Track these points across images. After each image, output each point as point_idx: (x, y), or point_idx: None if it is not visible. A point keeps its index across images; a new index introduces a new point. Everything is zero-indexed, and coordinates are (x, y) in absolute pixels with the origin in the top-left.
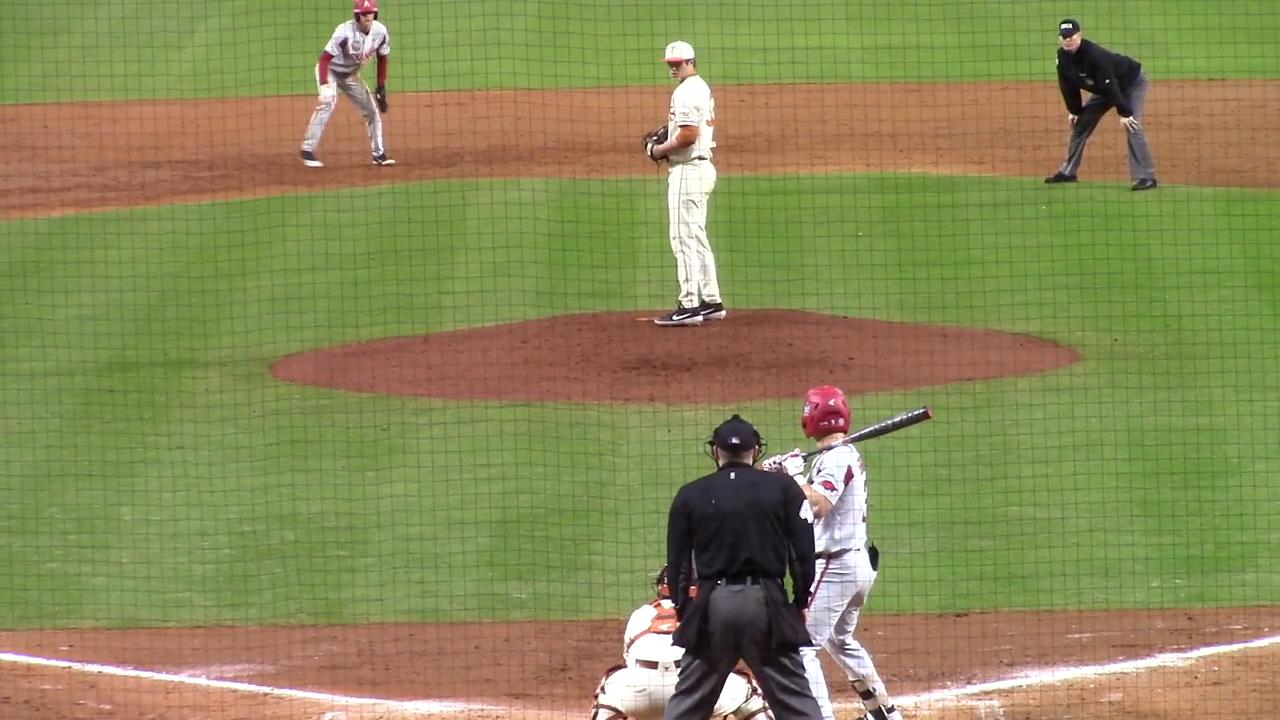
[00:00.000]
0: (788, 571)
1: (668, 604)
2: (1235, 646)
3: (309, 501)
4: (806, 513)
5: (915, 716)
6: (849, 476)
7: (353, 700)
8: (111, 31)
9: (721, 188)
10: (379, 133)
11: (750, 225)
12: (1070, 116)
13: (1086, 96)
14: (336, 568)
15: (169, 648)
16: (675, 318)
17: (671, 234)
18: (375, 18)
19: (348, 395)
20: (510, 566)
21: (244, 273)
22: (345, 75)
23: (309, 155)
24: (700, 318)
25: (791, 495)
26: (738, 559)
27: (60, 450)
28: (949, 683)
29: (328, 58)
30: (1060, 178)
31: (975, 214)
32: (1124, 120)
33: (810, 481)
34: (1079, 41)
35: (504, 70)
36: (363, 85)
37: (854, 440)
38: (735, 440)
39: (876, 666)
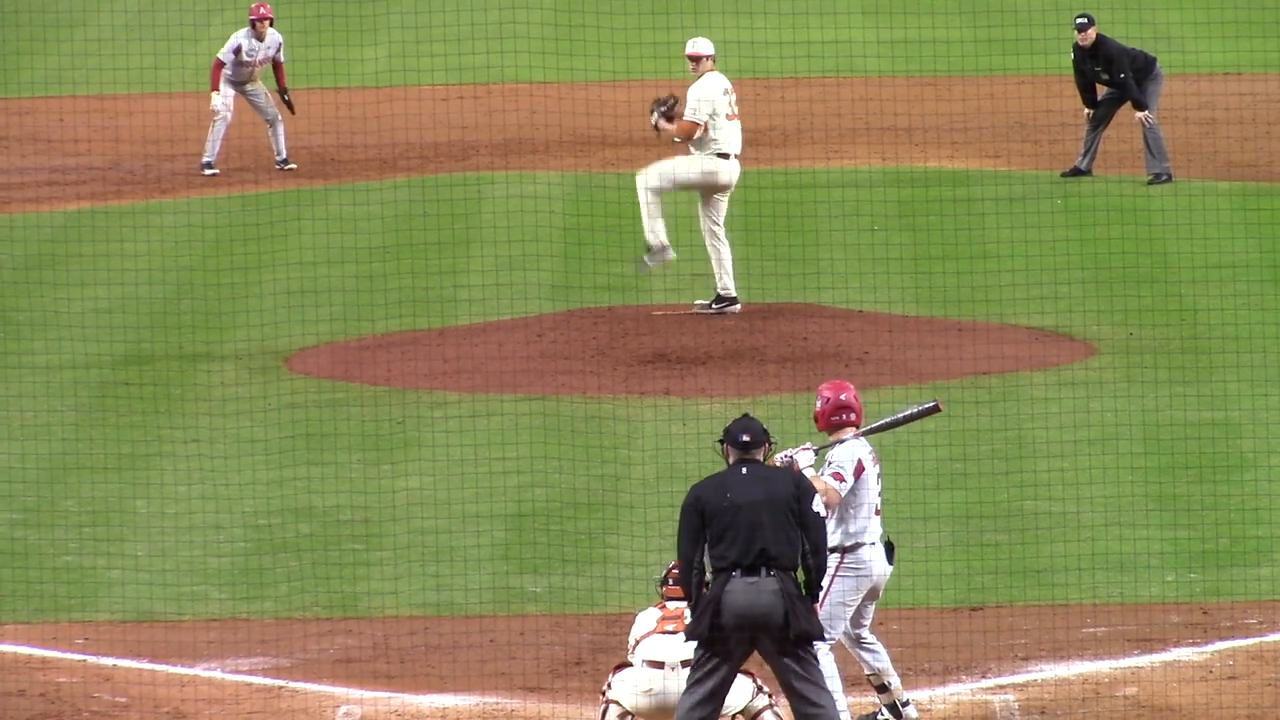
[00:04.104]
0: (800, 565)
1: (672, 605)
2: (1250, 641)
3: (324, 495)
4: (819, 506)
5: (930, 711)
6: (860, 469)
7: (367, 694)
8: (127, 25)
9: (738, 181)
10: (281, 137)
11: (766, 219)
12: (1085, 111)
13: (1102, 90)
14: (351, 561)
15: (184, 641)
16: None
17: (702, 227)
18: (271, 24)
19: (363, 389)
20: (525, 560)
21: (259, 266)
22: (242, 82)
23: (209, 165)
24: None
25: (804, 489)
26: (752, 550)
27: (75, 443)
28: (964, 677)
29: (220, 65)
30: (1076, 172)
31: (990, 208)
32: (1139, 114)
33: (821, 475)
34: (1094, 36)
35: (519, 64)
36: (263, 90)
37: (865, 434)
38: (746, 438)
39: (892, 660)
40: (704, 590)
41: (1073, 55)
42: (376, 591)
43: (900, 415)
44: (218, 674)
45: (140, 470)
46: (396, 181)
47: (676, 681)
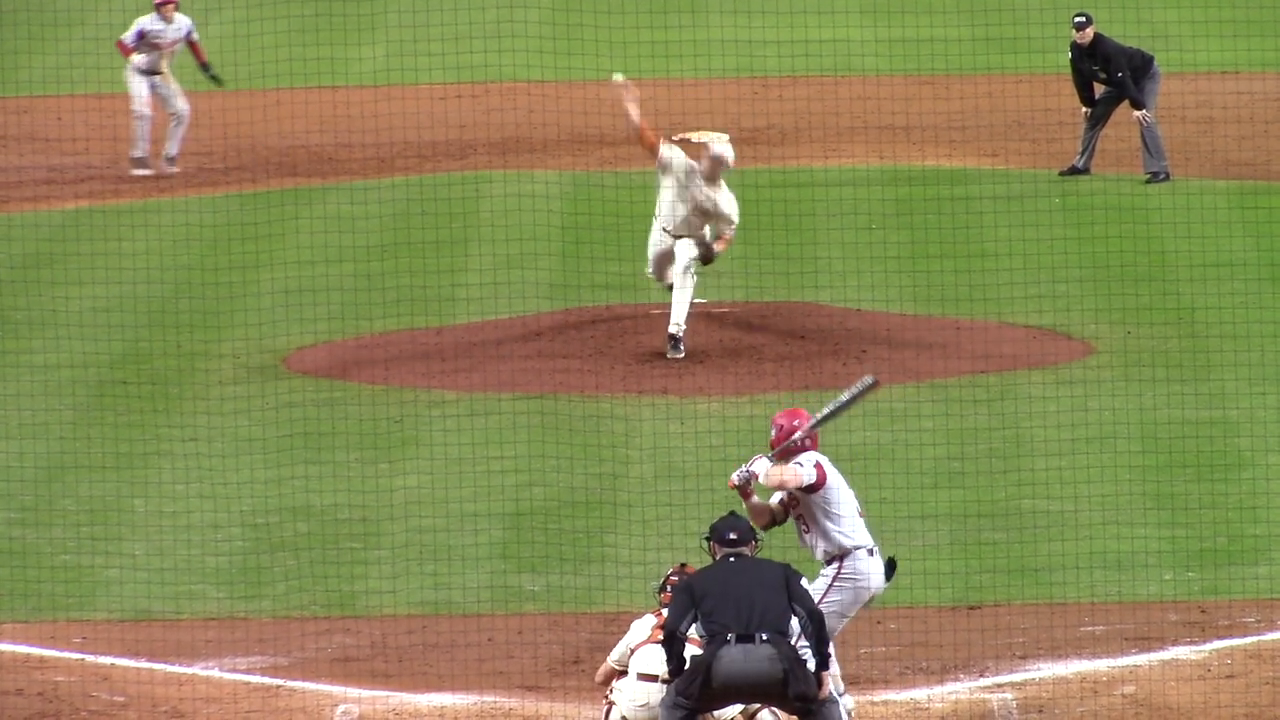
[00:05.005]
0: (799, 632)
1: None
2: (1248, 639)
3: (322, 494)
4: (807, 583)
5: (928, 709)
6: (820, 469)
7: (365, 693)
8: (125, 24)
9: (734, 180)
10: (178, 136)
11: (764, 218)
12: (1083, 109)
13: (1099, 89)
14: (349, 560)
15: (182, 640)
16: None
17: (685, 265)
18: (177, 8)
19: (361, 388)
20: (523, 559)
21: (257, 265)
22: (154, 73)
23: (140, 163)
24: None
25: (791, 571)
26: (744, 617)
27: (73, 442)
28: (962, 675)
29: (122, 47)
30: (1073, 170)
31: (988, 207)
32: (1136, 113)
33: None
34: (1092, 34)
35: (517, 63)
36: (172, 86)
37: (813, 426)
38: (734, 535)
39: (888, 659)
40: (683, 661)
41: (1070, 54)
42: (374, 590)
43: (841, 400)
44: (216, 673)
45: (138, 469)
46: (394, 180)
47: None
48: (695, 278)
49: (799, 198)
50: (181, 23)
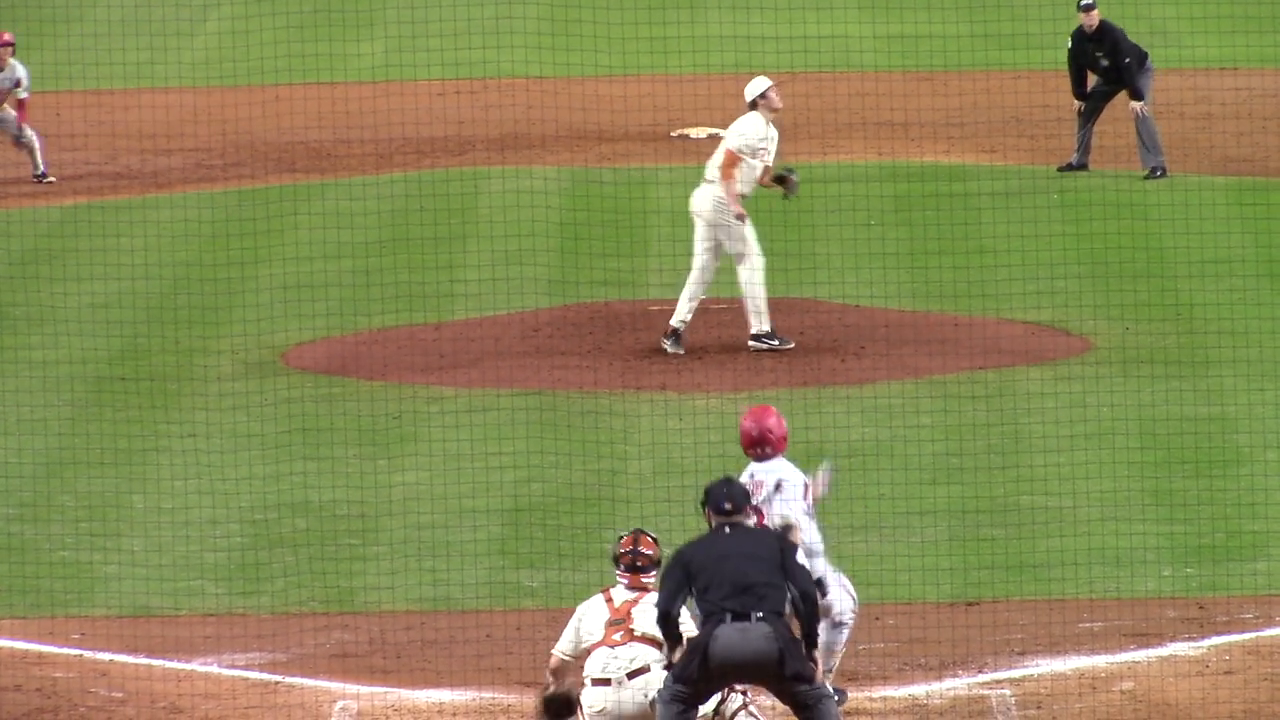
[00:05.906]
0: (792, 613)
1: (618, 594)
2: (1247, 635)
3: (320, 490)
4: (803, 559)
5: (926, 705)
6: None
7: (364, 689)
8: (124, 19)
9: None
10: (38, 154)
11: (762, 214)
12: (1075, 103)
13: (1092, 81)
14: (348, 556)
15: (180, 636)
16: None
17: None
18: (13, 53)
19: (359, 383)
20: (522, 555)
21: (256, 261)
22: None
23: None
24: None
25: (786, 543)
26: (740, 596)
27: (72, 438)
28: (960, 671)
29: None
30: (1071, 167)
31: (987, 203)
32: (1134, 104)
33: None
34: (1098, 19)
35: (516, 58)
36: (8, 117)
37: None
38: (729, 505)
39: (887, 655)
40: (681, 641)
41: (1071, 40)
42: (373, 586)
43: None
44: (214, 669)
45: (137, 465)
46: (393, 176)
47: (629, 692)
48: (708, 277)
49: (797, 194)
50: (16, 72)
